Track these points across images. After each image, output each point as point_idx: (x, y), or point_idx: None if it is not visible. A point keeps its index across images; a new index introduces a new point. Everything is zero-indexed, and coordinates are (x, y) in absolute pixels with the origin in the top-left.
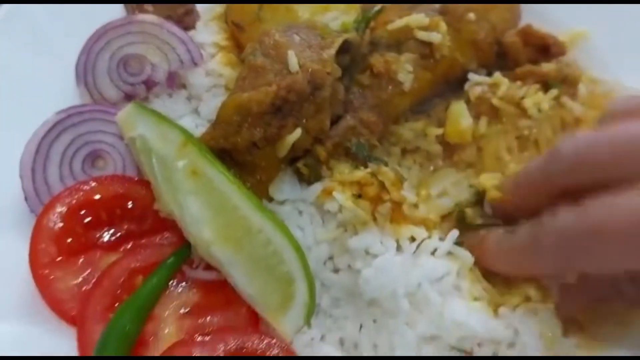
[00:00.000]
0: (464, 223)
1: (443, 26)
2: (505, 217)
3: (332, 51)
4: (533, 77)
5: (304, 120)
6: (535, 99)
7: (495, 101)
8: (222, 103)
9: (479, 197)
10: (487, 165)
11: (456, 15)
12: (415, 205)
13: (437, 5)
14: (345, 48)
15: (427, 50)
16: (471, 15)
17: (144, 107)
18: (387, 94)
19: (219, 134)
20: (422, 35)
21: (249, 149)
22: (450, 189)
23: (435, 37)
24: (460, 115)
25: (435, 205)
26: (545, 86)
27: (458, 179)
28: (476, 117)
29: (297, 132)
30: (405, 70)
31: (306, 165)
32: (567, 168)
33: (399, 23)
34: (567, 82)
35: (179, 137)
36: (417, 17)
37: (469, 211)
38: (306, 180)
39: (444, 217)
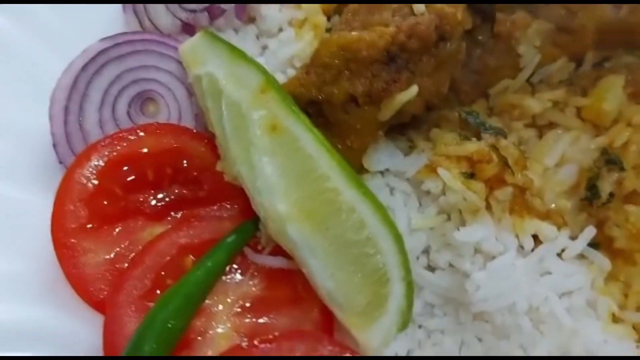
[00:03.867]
0: (596, 195)
1: None
2: None
3: None
4: None
5: (419, 77)
6: None
7: None
8: (322, 40)
9: (609, 156)
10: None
11: None
12: (540, 193)
13: None
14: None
15: (569, 22)
16: None
17: (217, 37)
18: (496, 63)
19: (313, 81)
20: None
21: (346, 104)
22: (570, 152)
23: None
24: (608, 92)
25: (557, 180)
26: None
27: (575, 136)
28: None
29: (413, 91)
30: (531, 43)
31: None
32: None
33: None
34: None
35: (259, 79)
36: None
37: (602, 182)
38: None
39: (570, 190)
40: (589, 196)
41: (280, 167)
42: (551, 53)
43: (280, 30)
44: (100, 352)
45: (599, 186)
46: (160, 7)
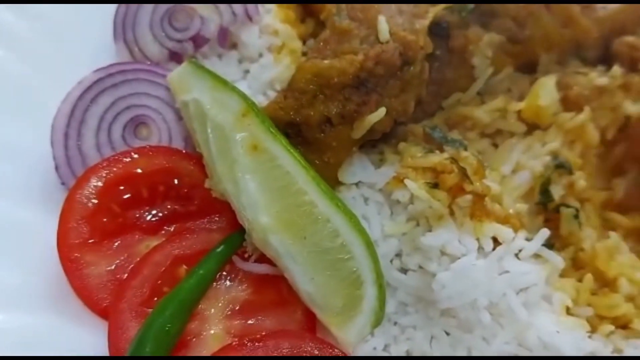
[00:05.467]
0: (550, 199)
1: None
2: None
3: (426, 22)
4: None
5: (387, 99)
6: None
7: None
8: (297, 67)
9: (561, 162)
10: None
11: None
12: (499, 199)
13: None
14: (437, 23)
15: (518, 33)
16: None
17: (201, 66)
18: (453, 74)
19: (291, 105)
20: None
21: (322, 125)
22: (523, 159)
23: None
24: (542, 89)
25: (513, 185)
26: None
27: (528, 145)
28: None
29: (381, 112)
30: (483, 54)
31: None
32: None
33: None
34: None
35: (240, 104)
36: None
37: (554, 186)
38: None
39: (526, 195)
40: (542, 200)
41: (261, 183)
42: (503, 61)
43: (260, 55)
44: (104, 354)
45: (551, 190)
46: (148, 37)
